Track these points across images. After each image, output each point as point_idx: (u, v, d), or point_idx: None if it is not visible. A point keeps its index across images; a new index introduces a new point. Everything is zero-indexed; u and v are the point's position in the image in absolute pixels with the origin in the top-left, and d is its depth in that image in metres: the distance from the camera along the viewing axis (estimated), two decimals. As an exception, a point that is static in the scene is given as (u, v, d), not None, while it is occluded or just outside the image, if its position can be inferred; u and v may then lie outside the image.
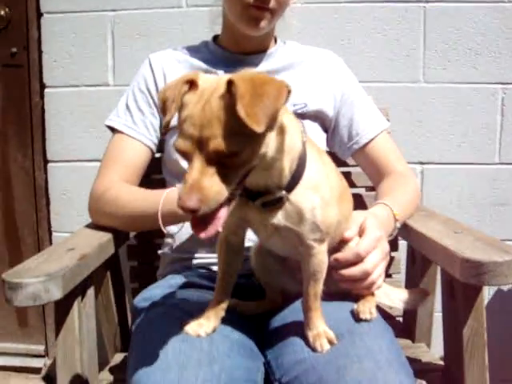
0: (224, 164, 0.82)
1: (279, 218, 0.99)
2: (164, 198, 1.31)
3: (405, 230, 1.42)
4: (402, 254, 1.74)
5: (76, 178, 2.18)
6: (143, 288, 1.80)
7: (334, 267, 1.12)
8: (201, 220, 0.84)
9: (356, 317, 1.11)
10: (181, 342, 1.00)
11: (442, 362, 1.41)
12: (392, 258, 1.73)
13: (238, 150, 0.82)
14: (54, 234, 2.23)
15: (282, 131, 0.92)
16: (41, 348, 2.35)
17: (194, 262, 1.42)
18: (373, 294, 1.18)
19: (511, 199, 2.10)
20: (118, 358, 1.52)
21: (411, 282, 1.58)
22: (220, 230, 0.85)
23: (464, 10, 2.01)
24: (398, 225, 1.35)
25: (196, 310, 1.11)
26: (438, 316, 1.53)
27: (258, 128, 0.78)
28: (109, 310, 1.53)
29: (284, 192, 0.97)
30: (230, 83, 0.81)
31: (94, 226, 1.48)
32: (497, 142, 2.08)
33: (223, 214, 0.86)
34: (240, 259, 1.13)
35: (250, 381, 1.04)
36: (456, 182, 2.11)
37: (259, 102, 0.79)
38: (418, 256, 1.53)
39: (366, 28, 2.05)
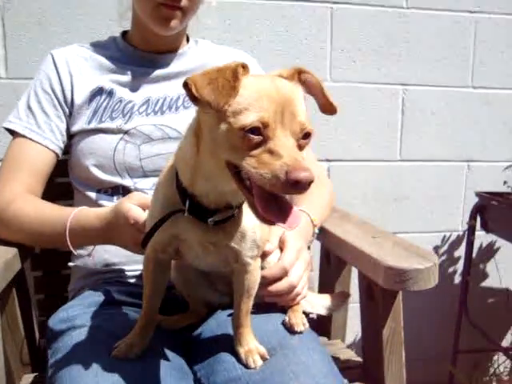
0: (299, 144, 0.82)
1: (221, 237, 0.96)
2: (73, 219, 1.24)
3: (321, 233, 1.44)
4: (312, 253, 1.77)
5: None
6: (49, 299, 1.71)
7: (261, 284, 1.10)
8: (281, 209, 0.79)
9: (290, 330, 1.12)
10: (111, 373, 0.94)
11: (359, 359, 1.47)
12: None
13: (312, 131, 0.82)
14: None
15: None
16: None
17: (111, 275, 1.34)
18: (298, 304, 1.20)
19: (411, 194, 2.23)
20: (28, 378, 1.41)
21: (326, 283, 1.63)
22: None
23: (368, 12, 2.08)
24: (317, 230, 1.37)
25: (121, 331, 1.06)
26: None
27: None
28: (15, 329, 1.40)
29: (237, 210, 0.95)
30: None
31: (-5, 238, 1.36)
32: (398, 139, 2.19)
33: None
34: (167, 276, 1.10)
35: None
36: (360, 178, 2.20)
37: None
38: (333, 257, 1.57)
39: (274, 26, 2.05)
